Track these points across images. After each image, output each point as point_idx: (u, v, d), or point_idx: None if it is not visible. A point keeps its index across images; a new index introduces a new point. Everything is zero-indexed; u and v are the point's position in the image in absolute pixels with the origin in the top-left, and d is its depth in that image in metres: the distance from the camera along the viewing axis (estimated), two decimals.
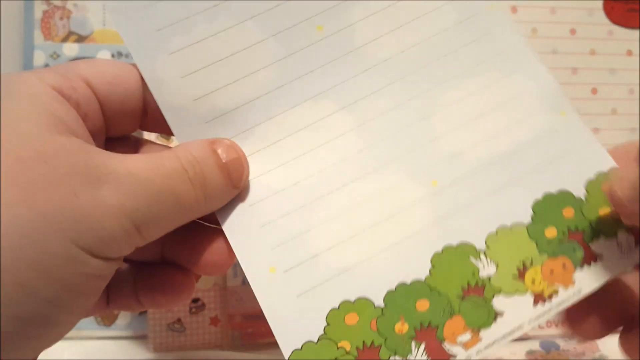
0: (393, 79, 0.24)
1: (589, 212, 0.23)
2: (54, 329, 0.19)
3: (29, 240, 0.17)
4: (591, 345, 0.37)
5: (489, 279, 0.22)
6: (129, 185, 0.19)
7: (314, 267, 0.22)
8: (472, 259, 0.23)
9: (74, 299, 0.19)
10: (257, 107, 0.24)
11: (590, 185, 0.23)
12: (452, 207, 0.23)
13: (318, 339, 0.22)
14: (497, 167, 0.24)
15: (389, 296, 0.22)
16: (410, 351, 0.21)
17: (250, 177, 0.23)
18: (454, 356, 0.21)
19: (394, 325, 0.22)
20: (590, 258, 0.23)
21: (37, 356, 0.20)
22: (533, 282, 0.22)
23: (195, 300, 0.37)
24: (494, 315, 0.22)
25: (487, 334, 0.22)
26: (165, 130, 0.24)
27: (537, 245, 0.23)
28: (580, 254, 0.23)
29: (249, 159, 0.23)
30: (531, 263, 0.22)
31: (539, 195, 0.23)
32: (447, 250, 0.23)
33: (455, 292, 0.22)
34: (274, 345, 0.36)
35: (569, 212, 0.23)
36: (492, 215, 0.23)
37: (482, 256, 0.23)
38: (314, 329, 0.22)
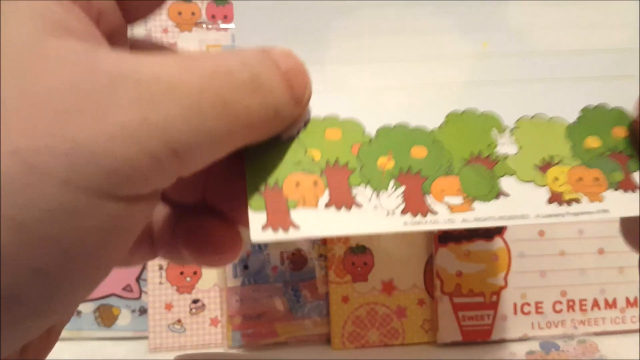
0: None
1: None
2: (78, 282, 0.15)
3: (9, 193, 0.13)
4: (591, 346, 0.37)
5: (506, 157, 0.20)
6: (155, 91, 0.14)
7: (317, 70, 0.20)
8: (494, 132, 0.20)
9: (93, 252, 0.15)
10: None
11: None
12: (493, 76, 0.21)
13: (287, 138, 0.19)
14: (559, 58, 0.21)
15: (384, 130, 0.20)
16: (385, 187, 0.19)
17: None
18: (434, 213, 0.19)
19: (378, 158, 0.19)
20: (628, 186, 0.20)
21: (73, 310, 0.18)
22: (555, 179, 0.20)
23: (195, 301, 0.37)
24: (497, 193, 0.19)
25: (482, 207, 0.19)
26: None
27: (572, 147, 0.20)
28: (618, 176, 0.20)
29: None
30: (560, 162, 0.20)
31: (593, 102, 0.21)
32: (469, 113, 0.20)
33: (461, 154, 0.20)
34: (275, 346, 0.37)
35: (619, 132, 0.21)
36: (533, 100, 0.21)
37: (507, 133, 0.20)
38: (288, 130, 0.19)
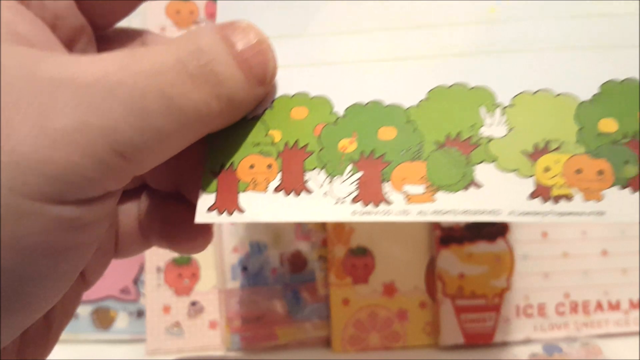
0: None
1: None
2: (33, 299, 0.16)
3: None
4: (594, 348, 0.37)
5: (489, 140, 0.18)
6: (95, 94, 0.14)
7: (297, 44, 0.19)
8: (483, 110, 0.18)
9: (49, 253, 0.15)
10: None
11: None
12: (497, 45, 0.18)
13: (252, 118, 0.19)
14: (578, 22, 0.18)
15: (355, 109, 0.18)
16: (341, 173, 0.18)
17: None
18: (389, 203, 0.17)
19: (340, 140, 0.18)
20: None
21: (24, 327, 0.17)
22: (546, 170, 0.17)
23: (193, 304, 0.37)
24: (468, 183, 0.17)
25: (445, 199, 0.17)
26: None
27: (579, 131, 0.17)
28: (632, 170, 0.17)
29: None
30: (558, 148, 0.17)
31: (618, 76, 0.18)
32: (457, 88, 0.18)
33: (435, 137, 0.18)
34: (274, 349, 0.36)
35: None
36: (541, 72, 0.18)
37: (498, 112, 0.18)
38: (254, 109, 0.19)
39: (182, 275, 0.37)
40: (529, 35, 0.19)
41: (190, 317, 0.37)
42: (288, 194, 0.18)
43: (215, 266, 0.37)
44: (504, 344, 0.37)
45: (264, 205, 0.18)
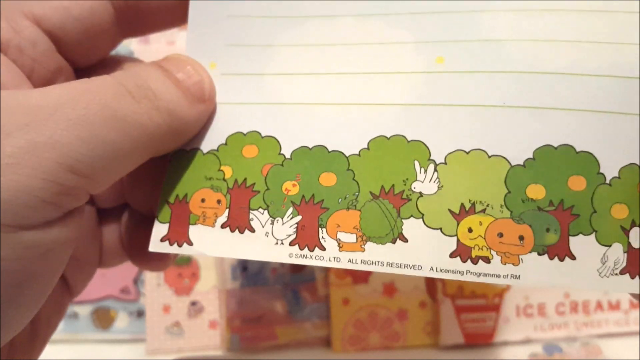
0: None
1: (602, 199, 0.17)
2: (3, 324, 0.16)
3: None
4: (594, 348, 0.37)
5: (419, 196, 0.18)
6: (41, 114, 0.15)
7: (255, 83, 0.20)
8: (417, 165, 0.18)
9: (12, 291, 0.15)
10: None
11: (624, 172, 0.17)
12: (440, 98, 0.19)
13: (207, 152, 0.19)
14: (527, 80, 0.18)
15: (300, 152, 0.19)
16: (282, 215, 0.18)
17: None
18: (322, 249, 0.18)
19: (284, 182, 0.19)
20: (559, 251, 0.17)
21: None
22: (469, 230, 0.17)
23: (193, 303, 0.37)
24: (395, 237, 0.18)
25: (374, 250, 0.18)
26: (148, 28, 0.21)
27: (507, 195, 0.18)
28: (552, 238, 0.17)
29: None
30: (483, 210, 0.18)
31: (553, 143, 0.18)
32: (396, 140, 0.19)
33: (371, 187, 0.18)
34: (274, 349, 0.36)
35: (576, 184, 0.17)
36: (477, 132, 0.18)
37: (430, 168, 0.18)
38: (208, 143, 0.19)
39: (182, 275, 0.37)
40: (471, 90, 0.18)
41: (190, 317, 0.37)
42: (233, 230, 0.19)
43: (215, 266, 0.37)
44: (504, 344, 0.37)
45: (211, 240, 0.19)
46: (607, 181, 0.17)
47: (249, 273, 0.37)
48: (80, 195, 0.16)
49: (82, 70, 0.20)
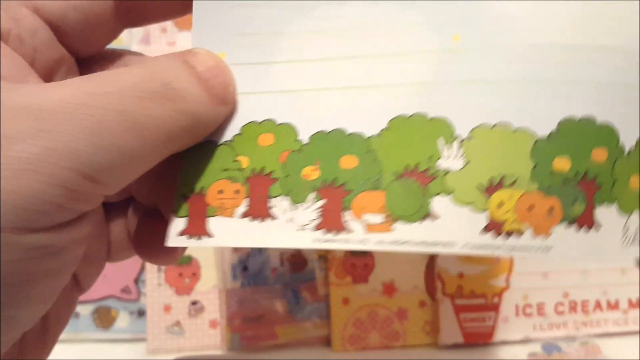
0: None
1: (622, 169, 0.18)
2: (9, 324, 0.16)
3: None
4: (593, 347, 0.37)
5: (446, 173, 0.18)
6: (55, 120, 0.14)
7: (264, 72, 0.19)
8: (440, 142, 0.18)
9: (24, 290, 0.15)
10: None
11: None
12: (459, 75, 0.18)
13: (221, 144, 0.19)
14: (544, 55, 0.18)
15: (319, 136, 0.19)
16: (304, 200, 0.18)
17: None
18: (349, 231, 0.18)
19: (304, 168, 0.18)
20: (585, 221, 0.17)
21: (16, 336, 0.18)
22: (499, 205, 0.17)
23: (194, 303, 0.37)
24: (425, 214, 0.17)
25: (403, 230, 0.17)
26: (153, 17, 0.21)
27: (534, 168, 0.18)
28: (579, 209, 0.17)
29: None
30: (512, 184, 0.17)
31: (576, 114, 0.18)
32: (417, 118, 0.18)
33: (394, 167, 0.18)
34: (274, 348, 0.36)
35: (599, 155, 0.18)
36: (501, 104, 0.18)
37: (455, 144, 0.18)
38: (222, 134, 0.19)
39: (183, 275, 0.37)
40: (491, 65, 0.18)
41: (190, 317, 0.37)
42: (254, 219, 0.18)
43: (216, 266, 0.37)
44: (503, 343, 0.37)
45: (231, 231, 0.18)
46: (626, 152, 0.18)
47: (250, 273, 0.37)
48: (93, 200, 0.16)
49: (83, 60, 0.20)
